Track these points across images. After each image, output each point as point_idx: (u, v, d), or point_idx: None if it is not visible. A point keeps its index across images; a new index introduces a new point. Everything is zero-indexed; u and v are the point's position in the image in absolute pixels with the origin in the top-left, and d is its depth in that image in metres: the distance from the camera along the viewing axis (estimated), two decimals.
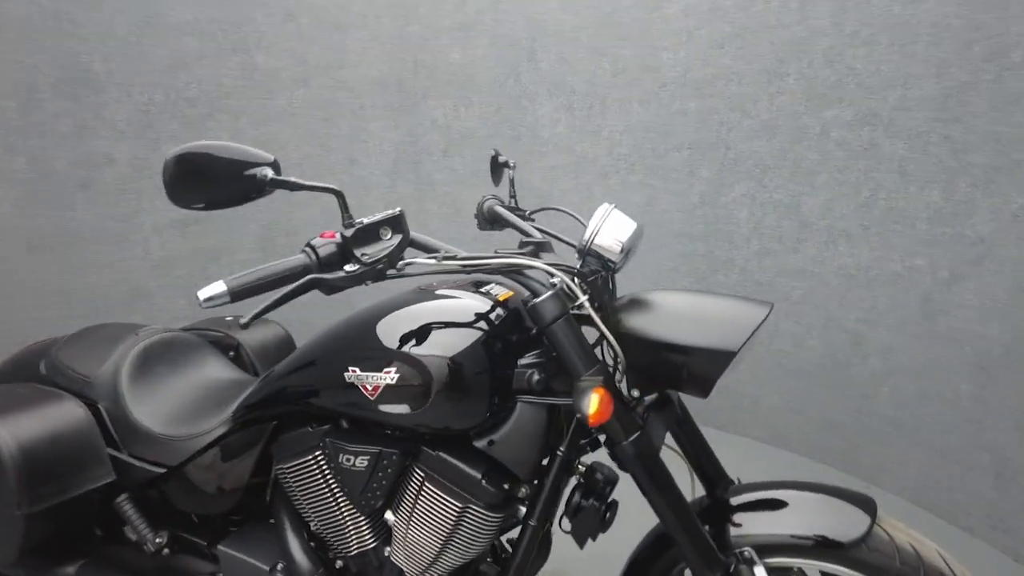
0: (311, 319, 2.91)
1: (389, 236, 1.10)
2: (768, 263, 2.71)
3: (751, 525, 1.19)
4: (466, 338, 1.16)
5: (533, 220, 1.57)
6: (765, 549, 1.16)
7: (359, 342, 1.21)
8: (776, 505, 1.21)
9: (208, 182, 0.96)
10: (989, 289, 2.07)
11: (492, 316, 1.21)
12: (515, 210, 1.55)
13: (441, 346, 1.15)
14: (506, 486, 1.21)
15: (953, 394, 2.22)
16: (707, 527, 1.24)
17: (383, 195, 3.18)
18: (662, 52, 2.83)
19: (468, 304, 1.21)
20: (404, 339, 1.18)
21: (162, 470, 1.46)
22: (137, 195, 2.73)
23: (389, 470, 1.24)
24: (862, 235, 2.42)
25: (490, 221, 1.54)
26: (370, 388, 1.19)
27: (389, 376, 1.17)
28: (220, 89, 2.85)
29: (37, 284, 2.54)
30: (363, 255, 1.05)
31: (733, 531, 1.20)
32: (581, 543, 1.24)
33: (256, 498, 1.50)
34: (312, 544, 1.41)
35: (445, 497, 1.20)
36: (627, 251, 1.18)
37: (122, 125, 2.66)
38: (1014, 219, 1.99)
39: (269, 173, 1.00)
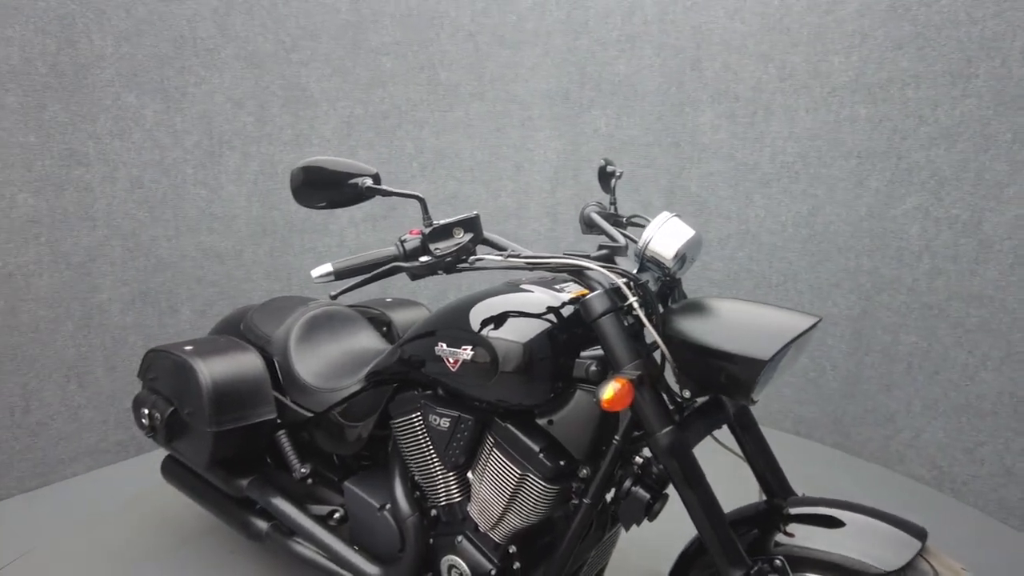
0: None
1: (461, 235, 1.30)
2: (940, 284, 2.45)
3: (801, 537, 1.20)
4: (534, 327, 1.32)
5: (636, 225, 1.67)
6: (802, 562, 1.17)
7: (452, 322, 1.43)
8: (831, 523, 1.20)
9: (322, 188, 1.25)
10: None
11: (560, 311, 1.35)
12: (612, 216, 1.67)
13: (512, 332, 1.32)
14: (562, 463, 1.34)
15: None
16: (754, 530, 1.26)
17: (544, 200, 3.40)
18: (833, 56, 2.69)
19: (541, 298, 1.37)
20: (485, 323, 1.37)
21: (310, 414, 1.82)
22: None
23: (466, 433, 1.44)
24: None
25: (589, 226, 1.67)
26: (452, 362, 1.40)
27: (466, 353, 1.37)
28: (408, 103, 3.28)
29: (265, 262, 3.15)
30: (436, 249, 1.27)
31: (779, 538, 1.22)
32: (626, 526, 1.34)
33: (380, 447, 1.80)
34: (415, 493, 1.66)
35: (508, 464, 1.37)
36: (683, 258, 1.25)
37: (328, 134, 3.19)
38: None
39: (368, 182, 1.26)
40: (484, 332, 1.35)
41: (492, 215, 3.42)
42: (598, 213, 1.63)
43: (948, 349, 2.45)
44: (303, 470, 1.86)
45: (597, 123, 3.27)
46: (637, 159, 3.22)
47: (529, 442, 1.35)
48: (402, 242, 1.28)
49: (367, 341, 2.04)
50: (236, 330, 2.11)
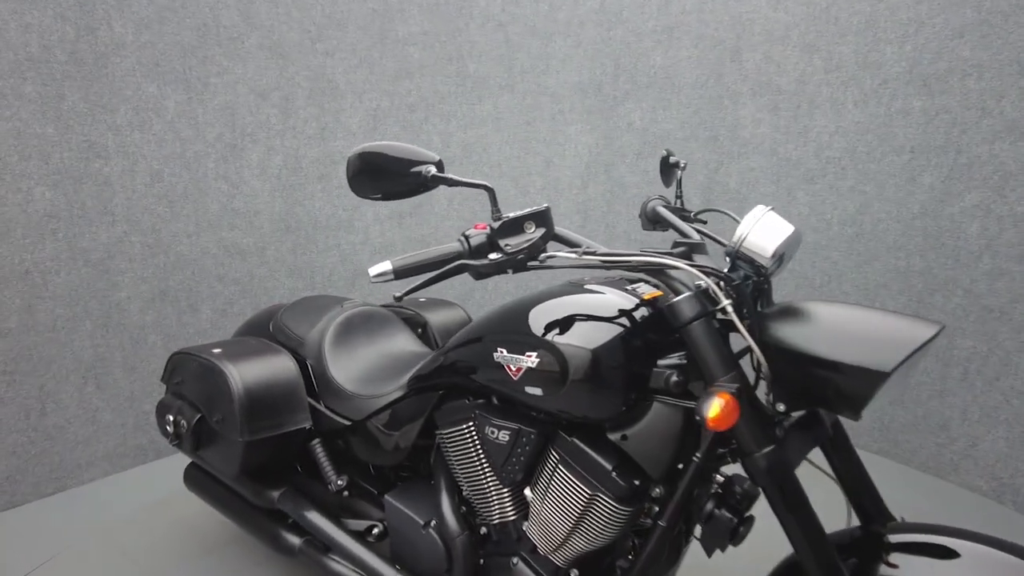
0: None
1: (532, 230, 1.18)
2: (1001, 286, 2.33)
3: (910, 569, 1.08)
4: (606, 332, 1.20)
5: (704, 222, 1.55)
6: None
7: (510, 326, 1.31)
8: (942, 553, 1.08)
9: (382, 177, 1.13)
10: None
11: (635, 314, 1.23)
12: (679, 211, 1.55)
13: (581, 337, 1.21)
14: (637, 482, 1.23)
15: None
16: (853, 559, 1.15)
17: (574, 196, 3.29)
18: (885, 46, 2.56)
19: (612, 300, 1.25)
20: (549, 327, 1.25)
21: (348, 422, 1.70)
22: None
23: (527, 447, 1.33)
24: None
25: (653, 221, 1.55)
26: (514, 369, 1.28)
27: (531, 360, 1.25)
28: (436, 95, 3.17)
29: (288, 259, 3.04)
30: (506, 246, 1.15)
31: (884, 571, 1.10)
32: (709, 552, 1.22)
33: (422, 458, 1.69)
34: (462, 508, 1.55)
35: (576, 483, 1.25)
36: (780, 257, 1.13)
37: (354, 127, 3.08)
38: None
39: (432, 170, 1.14)
40: (550, 337, 1.23)
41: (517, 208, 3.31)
42: (665, 207, 1.51)
43: (1010, 354, 2.33)
44: (340, 482, 1.75)
45: (631, 116, 3.15)
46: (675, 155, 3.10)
47: (600, 459, 1.23)
48: (466, 237, 1.17)
49: (405, 344, 1.93)
50: (265, 331, 2.00)
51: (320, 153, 3.03)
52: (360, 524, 1.74)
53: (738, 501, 1.22)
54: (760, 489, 1.21)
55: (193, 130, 2.70)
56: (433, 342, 2.08)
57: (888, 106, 2.58)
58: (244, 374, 1.67)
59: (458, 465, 1.49)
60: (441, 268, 1.16)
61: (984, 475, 2.46)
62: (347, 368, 1.80)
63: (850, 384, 0.99)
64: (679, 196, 1.58)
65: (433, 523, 1.56)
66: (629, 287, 1.31)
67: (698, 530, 1.24)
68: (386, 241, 3.21)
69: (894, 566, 1.09)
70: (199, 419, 1.75)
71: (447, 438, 1.50)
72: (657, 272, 1.17)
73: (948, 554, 1.07)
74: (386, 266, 1.12)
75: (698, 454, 1.19)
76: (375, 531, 1.71)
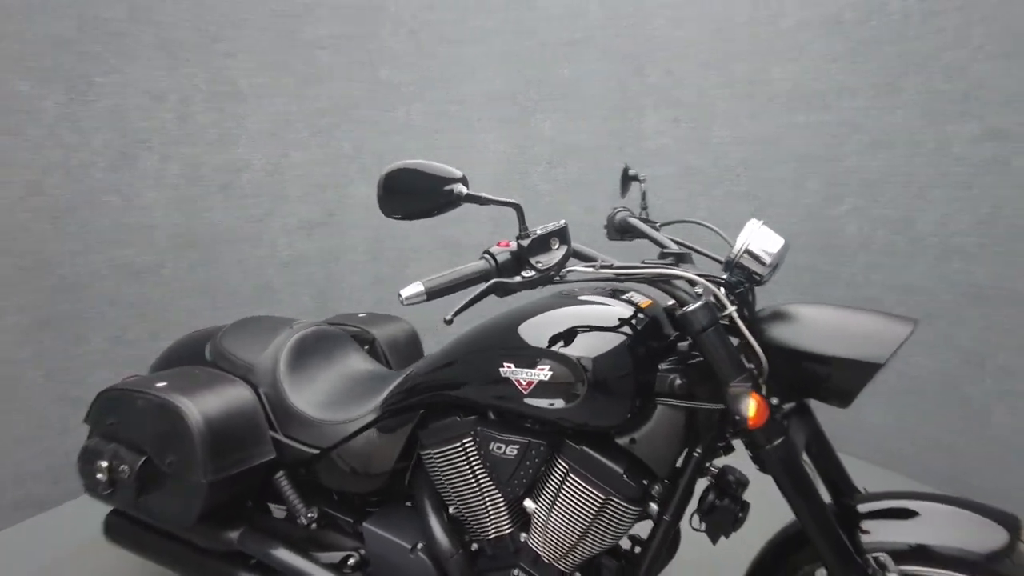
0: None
1: (557, 246, 1.21)
2: (876, 278, 2.69)
3: (881, 532, 1.21)
4: (613, 341, 1.25)
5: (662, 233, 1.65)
6: (898, 556, 1.19)
7: (513, 341, 1.32)
8: (906, 515, 1.23)
9: (413, 196, 1.10)
10: None
11: (635, 322, 1.29)
12: (648, 222, 1.63)
13: (591, 348, 1.25)
14: (645, 482, 1.29)
15: None
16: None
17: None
18: (773, 67, 2.85)
19: (614, 310, 1.30)
20: (555, 339, 1.28)
21: (315, 451, 1.62)
22: (270, 198, 2.96)
23: (536, 459, 1.34)
24: (979, 253, 2.37)
25: (620, 232, 1.62)
26: (524, 383, 1.30)
27: (543, 373, 1.28)
28: (347, 101, 3.06)
29: (188, 277, 2.79)
30: (537, 263, 1.17)
31: (863, 538, 1.24)
32: (715, 540, 1.31)
33: (394, 481, 1.64)
34: (451, 527, 1.53)
35: (588, 489, 1.29)
36: (774, 266, 1.24)
37: (258, 134, 2.90)
38: None
39: (464, 189, 1.13)
40: (560, 349, 1.26)
41: (434, 221, 3.29)
42: (634, 218, 1.59)
43: None
44: (310, 514, 1.66)
45: (543, 126, 3.24)
46: (584, 163, 3.23)
47: (611, 464, 1.28)
48: (492, 255, 1.17)
49: (361, 363, 1.86)
50: (199, 359, 1.84)
51: (222, 161, 2.82)
52: (333, 556, 1.66)
53: (734, 489, 1.32)
54: (749, 477, 1.34)
55: (77, 135, 2.41)
56: (383, 358, 2.02)
57: (777, 120, 2.87)
58: (202, 408, 1.53)
59: (448, 484, 1.47)
60: (469, 286, 1.14)
61: (867, 445, 2.82)
62: (307, 393, 1.70)
63: (845, 376, 1.12)
64: (644, 208, 1.67)
65: (420, 546, 1.52)
66: (623, 297, 1.37)
67: (694, 520, 1.33)
68: (295, 254, 3.05)
69: (866, 532, 1.24)
70: (144, 462, 1.57)
71: (436, 457, 1.47)
72: (660, 282, 1.24)
73: (909, 515, 1.22)
74: (418, 287, 1.09)
75: (698, 449, 1.28)
76: (351, 561, 1.64)
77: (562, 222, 1.25)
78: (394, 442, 1.55)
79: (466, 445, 1.43)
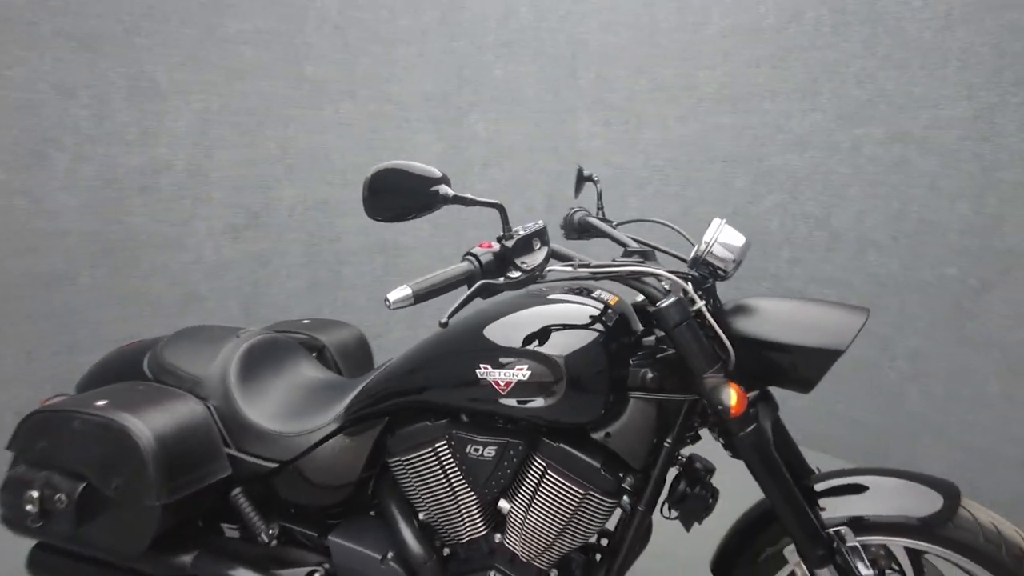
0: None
1: (539, 246, 1.22)
2: (799, 271, 2.86)
3: (838, 508, 1.29)
4: (587, 338, 1.28)
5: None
6: (856, 527, 1.27)
7: (484, 343, 1.32)
8: (858, 489, 1.32)
9: (399, 196, 1.08)
10: (1018, 297, 2.23)
11: (606, 319, 1.32)
12: (605, 221, 1.67)
13: (566, 345, 1.27)
14: (620, 475, 1.32)
15: (982, 395, 2.37)
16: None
17: None
18: (700, 71, 2.97)
19: (584, 308, 1.33)
20: (529, 339, 1.30)
21: (274, 464, 1.55)
22: (192, 201, 2.80)
23: (514, 459, 1.35)
24: (892, 245, 2.58)
25: (579, 231, 1.65)
26: (502, 384, 1.30)
27: (521, 373, 1.28)
28: (273, 98, 2.94)
29: (107, 285, 2.60)
30: (523, 263, 1.17)
31: (822, 514, 1.32)
32: (688, 527, 1.36)
33: (357, 492, 1.59)
34: (422, 533, 1.50)
35: (567, 485, 1.31)
36: (738, 262, 1.30)
37: (181, 132, 2.74)
38: None
39: (450, 190, 1.12)
40: (536, 348, 1.28)
41: (369, 222, 3.22)
42: (592, 218, 1.62)
43: None
44: (272, 531, 1.58)
45: (477, 127, 3.24)
46: (519, 164, 3.26)
47: (588, 459, 1.30)
48: (476, 256, 1.16)
49: (313, 372, 1.80)
50: (136, 373, 1.71)
51: (141, 161, 2.64)
52: (297, 573, 1.59)
53: (703, 476, 1.38)
54: (714, 464, 1.40)
55: None
56: (333, 365, 1.96)
57: (704, 122, 3.00)
58: (152, 426, 1.42)
59: (419, 490, 1.45)
60: (454, 288, 1.13)
61: (791, 427, 2.99)
62: (262, 405, 1.63)
63: (808, 363, 1.20)
64: (601, 207, 1.70)
65: (391, 555, 1.49)
66: (595, 294, 1.40)
67: (664, 509, 1.37)
68: (222, 259, 2.91)
69: (823, 509, 1.32)
70: (84, 489, 1.44)
71: (406, 464, 1.45)
72: (638, 279, 1.27)
73: (861, 489, 1.31)
74: (406, 291, 1.07)
75: (669, 440, 1.32)
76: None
77: (540, 223, 1.26)
78: (359, 451, 1.51)
79: (438, 449, 1.41)
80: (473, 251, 1.17)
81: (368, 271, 3.24)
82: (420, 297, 1.08)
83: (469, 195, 1.14)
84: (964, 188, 2.36)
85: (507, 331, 1.33)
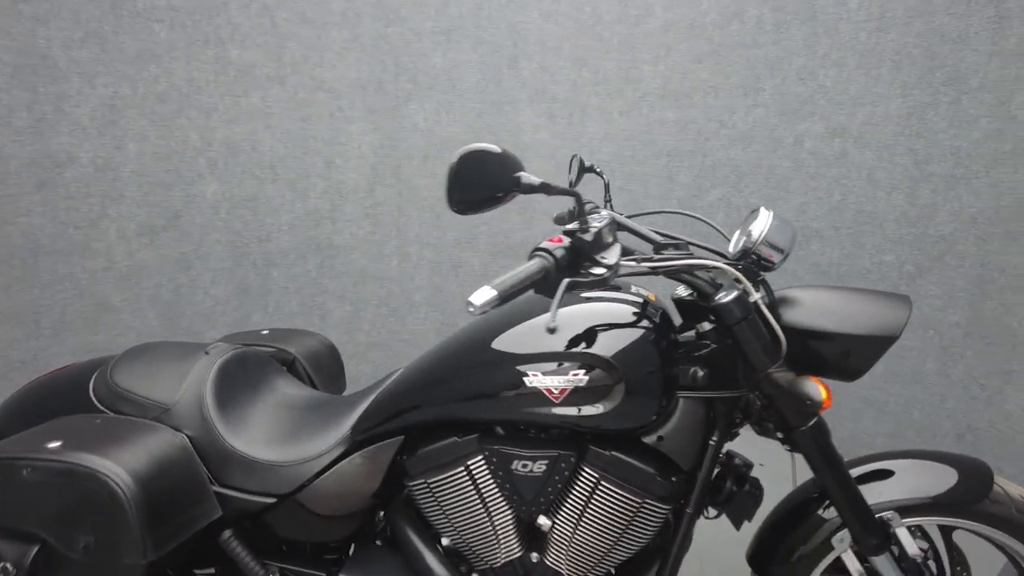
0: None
1: (611, 240, 1.13)
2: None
3: (877, 493, 1.31)
4: (639, 338, 1.22)
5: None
6: (900, 511, 1.30)
7: (532, 347, 1.22)
8: (882, 475, 1.35)
9: (484, 184, 0.96)
10: (950, 281, 2.42)
11: (651, 316, 1.26)
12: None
13: (620, 346, 1.20)
14: (674, 479, 1.26)
15: (919, 373, 2.55)
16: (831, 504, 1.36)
17: (361, 201, 3.07)
18: (642, 64, 2.98)
19: (627, 306, 1.26)
20: (578, 341, 1.21)
21: (271, 499, 1.36)
22: (101, 199, 2.44)
23: (565, 472, 1.25)
24: (834, 235, 2.71)
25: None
26: (556, 391, 1.20)
27: (577, 378, 1.19)
28: (191, 84, 2.63)
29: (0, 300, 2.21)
30: (603, 258, 1.08)
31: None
32: (739, 525, 1.32)
33: (364, 521, 1.43)
34: (447, 559, 1.37)
35: (623, 495, 1.23)
36: (786, 254, 1.28)
37: (85, 120, 2.37)
38: (973, 221, 2.34)
39: (534, 178, 1.01)
40: (591, 351, 1.19)
41: (300, 220, 2.97)
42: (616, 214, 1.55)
43: None
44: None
45: (416, 118, 3.07)
46: None
47: (643, 465, 1.24)
48: (549, 252, 1.06)
49: (292, 388, 1.60)
50: (84, 402, 1.44)
51: (37, 152, 2.26)
52: None
53: (745, 473, 1.35)
54: (751, 462, 1.37)
55: None
56: (306, 378, 1.76)
57: (648, 116, 3.02)
58: (127, 466, 1.18)
59: (446, 512, 1.32)
60: (533, 286, 1.03)
61: None
62: (248, 432, 1.42)
63: (860, 351, 1.19)
64: (608, 201, 1.64)
65: None
66: (633, 291, 1.33)
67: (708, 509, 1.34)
68: (136, 264, 2.56)
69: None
70: (38, 552, 1.18)
71: (432, 486, 1.31)
72: (689, 272, 1.22)
73: (887, 475, 1.34)
74: (490, 292, 0.96)
75: (714, 438, 1.28)
76: None
77: (606, 214, 1.17)
78: (372, 475, 1.35)
79: (472, 467, 1.29)
80: (544, 246, 1.07)
81: (301, 273, 2.99)
82: (505, 298, 0.98)
83: (546, 182, 1.03)
84: (899, 181, 2.52)
85: (552, 335, 1.23)
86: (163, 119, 2.57)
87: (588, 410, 1.19)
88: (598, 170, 1.66)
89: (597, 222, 1.11)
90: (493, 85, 3.09)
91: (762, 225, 1.24)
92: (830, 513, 1.34)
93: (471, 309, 0.95)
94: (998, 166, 2.25)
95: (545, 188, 1.03)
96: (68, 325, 2.38)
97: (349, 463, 1.35)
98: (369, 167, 3.06)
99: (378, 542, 1.46)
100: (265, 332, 1.85)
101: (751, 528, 1.37)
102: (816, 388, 1.10)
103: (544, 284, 1.05)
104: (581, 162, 1.65)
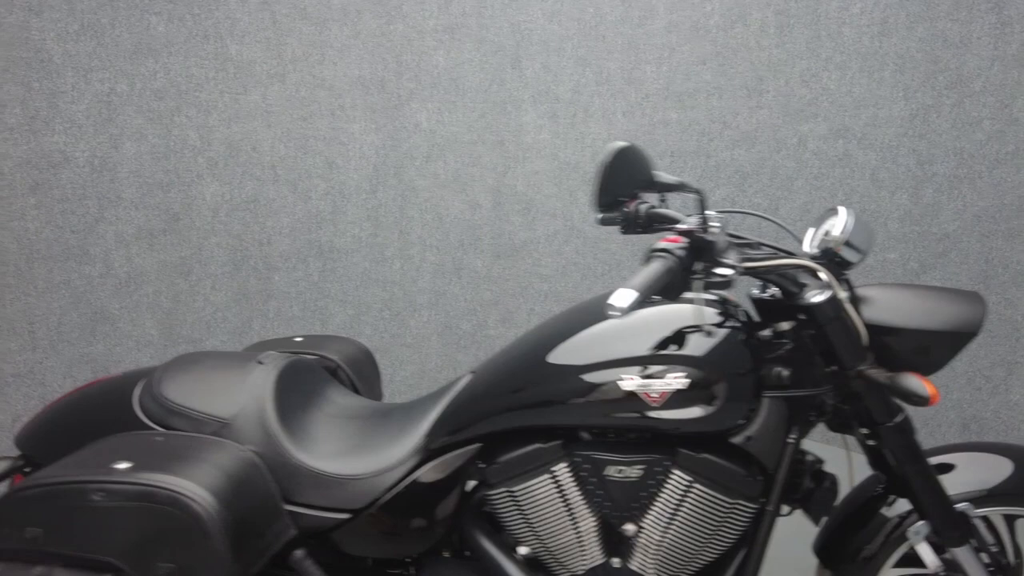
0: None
1: (725, 240, 1.12)
2: None
3: (946, 487, 1.33)
4: (733, 339, 1.23)
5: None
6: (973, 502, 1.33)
7: (626, 350, 1.21)
8: (944, 470, 1.38)
9: (633, 181, 0.95)
10: (955, 277, 2.51)
11: (737, 316, 1.27)
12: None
13: (716, 347, 1.22)
14: (760, 478, 1.26)
15: None
16: (892, 496, 1.38)
17: (363, 202, 2.99)
18: (645, 65, 3.00)
19: (711, 307, 1.26)
20: (670, 343, 1.21)
21: (345, 515, 1.30)
22: (98, 201, 2.31)
23: (659, 476, 1.24)
24: None
25: (644, 225, 1.57)
26: (655, 395, 1.19)
27: (679, 381, 1.18)
28: (189, 80, 2.50)
29: None
30: (724, 258, 1.07)
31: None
32: (818, 520, 1.34)
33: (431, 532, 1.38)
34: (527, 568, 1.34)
35: (716, 496, 1.23)
36: (865, 253, 1.30)
37: (80, 117, 2.24)
38: (976, 219, 2.43)
39: (668, 176, 1.00)
40: (691, 352, 1.19)
41: (301, 222, 2.87)
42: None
43: None
44: None
45: (418, 117, 3.01)
46: (462, 157, 3.08)
47: (733, 466, 1.24)
48: (669, 252, 1.05)
49: (345, 398, 1.54)
50: (130, 418, 1.34)
51: (31, 152, 2.12)
52: None
53: (818, 469, 1.37)
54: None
55: None
56: (349, 385, 1.70)
57: (651, 117, 3.03)
58: (210, 487, 1.11)
59: (531, 520, 1.29)
60: (662, 286, 1.02)
61: None
62: (314, 445, 1.35)
63: (939, 346, 1.22)
64: (663, 202, 1.63)
65: None
66: (714, 292, 1.33)
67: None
68: (134, 269, 2.42)
69: None
70: None
71: (515, 494, 1.28)
72: (781, 273, 1.22)
73: (947, 469, 1.38)
74: (632, 294, 0.95)
75: (793, 436, 1.29)
76: None
77: (712, 214, 1.17)
78: (450, 485, 1.31)
79: (557, 473, 1.26)
80: (663, 246, 1.07)
81: (303, 277, 2.89)
82: (645, 299, 0.96)
83: (681, 180, 1.03)
84: (902, 180, 2.60)
85: (643, 337, 1.22)
86: (161, 117, 2.45)
87: (687, 413, 1.19)
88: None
89: (719, 222, 1.11)
90: (496, 85, 3.05)
91: (843, 225, 1.26)
92: (896, 508, 1.37)
93: (614, 312, 0.93)
94: (1001, 166, 2.34)
95: (681, 186, 1.02)
96: (64, 335, 2.24)
97: (425, 473, 1.31)
98: (371, 167, 2.98)
99: (445, 553, 1.42)
100: (299, 339, 1.78)
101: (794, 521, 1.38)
102: (920, 383, 1.12)
103: (670, 284, 1.04)
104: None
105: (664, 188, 1.05)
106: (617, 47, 3.00)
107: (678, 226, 1.12)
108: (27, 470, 1.41)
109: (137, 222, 2.41)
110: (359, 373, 1.72)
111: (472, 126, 3.06)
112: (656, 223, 1.54)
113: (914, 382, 1.12)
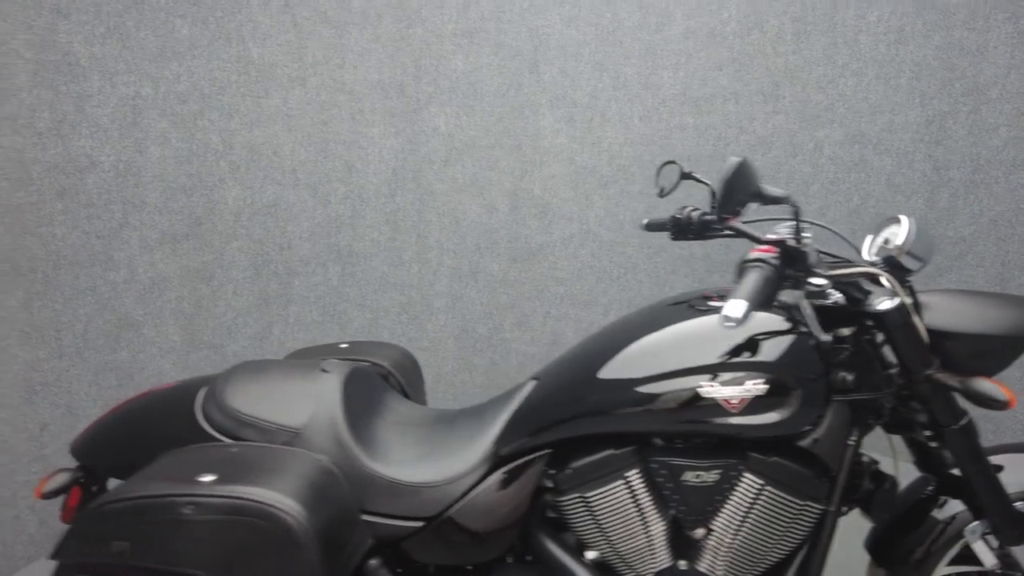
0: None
1: (812, 249, 1.14)
2: None
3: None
4: (803, 344, 1.25)
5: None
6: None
7: (702, 357, 1.22)
8: (996, 469, 1.42)
9: (745, 193, 0.97)
10: (971, 279, 2.56)
11: (802, 323, 1.29)
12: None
13: (789, 353, 1.23)
14: (825, 479, 1.29)
15: None
16: (942, 497, 1.42)
17: (382, 206, 2.98)
18: (662, 71, 3.03)
19: (778, 313, 1.28)
20: (746, 350, 1.23)
21: (418, 523, 1.30)
22: (123, 206, 2.28)
23: (734, 480, 1.25)
24: (852, 237, 2.82)
25: (697, 232, 1.59)
26: (733, 401, 1.20)
27: (756, 387, 1.20)
28: (212, 83, 2.48)
29: (20, 315, 2.01)
30: (816, 268, 1.09)
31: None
32: (879, 520, 1.37)
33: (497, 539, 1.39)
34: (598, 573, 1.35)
35: (788, 499, 1.25)
36: (926, 262, 1.33)
37: (106, 122, 2.20)
38: (992, 224, 2.49)
39: (778, 190, 1.02)
40: (766, 359, 1.21)
41: (321, 226, 2.85)
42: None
43: None
44: None
45: (436, 121, 3.00)
46: (480, 161, 3.08)
47: (803, 469, 1.26)
48: (765, 261, 1.06)
49: (402, 404, 1.54)
50: (193, 428, 1.33)
51: (58, 157, 2.08)
52: None
53: (876, 470, 1.39)
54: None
55: None
56: (399, 391, 1.69)
57: (667, 122, 3.06)
58: (297, 498, 1.10)
59: (602, 526, 1.30)
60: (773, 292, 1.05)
61: None
62: (384, 453, 1.35)
63: (1000, 351, 1.25)
64: (714, 206, 1.65)
65: None
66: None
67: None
68: (158, 275, 2.39)
69: None
70: None
71: (588, 500, 1.29)
72: (849, 283, 1.24)
73: (997, 470, 1.41)
74: (743, 304, 0.97)
75: (853, 438, 1.32)
76: None
77: (806, 223, 1.19)
78: (522, 491, 1.32)
79: (631, 479, 1.27)
80: (757, 256, 1.09)
81: (322, 281, 2.87)
82: (755, 308, 0.98)
83: (781, 191, 1.05)
84: (918, 185, 2.65)
85: (716, 344, 1.24)
86: (185, 120, 2.42)
87: (765, 418, 1.20)
88: (698, 177, 1.67)
89: (807, 233, 1.13)
90: (514, 89, 3.06)
91: (905, 234, 1.29)
92: (948, 508, 1.41)
93: (729, 323, 0.95)
94: (1017, 172, 2.40)
95: (786, 199, 1.05)
96: (90, 343, 2.20)
97: (496, 480, 1.31)
98: (390, 171, 2.97)
99: (508, 559, 1.42)
100: (344, 345, 1.77)
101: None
102: (996, 388, 1.15)
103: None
104: (679, 170, 1.66)
105: (770, 200, 1.07)
106: (634, 52, 3.03)
107: (770, 236, 1.14)
108: (82, 480, 1.39)
109: (161, 227, 2.38)
110: (407, 379, 1.72)
111: (490, 130, 3.07)
112: (705, 231, 1.57)
113: (989, 386, 1.15)
